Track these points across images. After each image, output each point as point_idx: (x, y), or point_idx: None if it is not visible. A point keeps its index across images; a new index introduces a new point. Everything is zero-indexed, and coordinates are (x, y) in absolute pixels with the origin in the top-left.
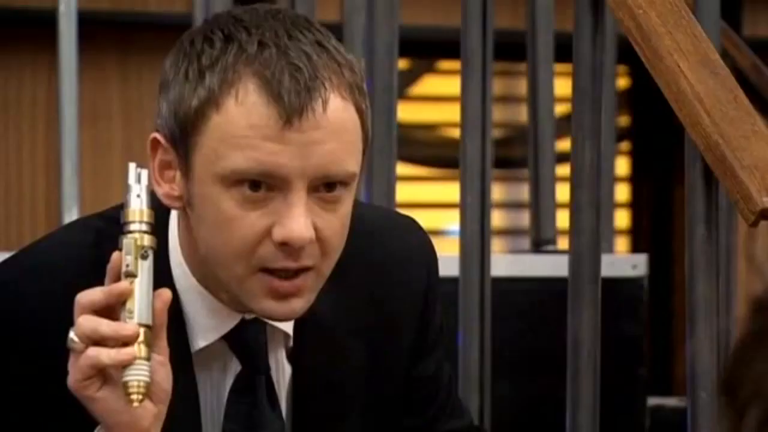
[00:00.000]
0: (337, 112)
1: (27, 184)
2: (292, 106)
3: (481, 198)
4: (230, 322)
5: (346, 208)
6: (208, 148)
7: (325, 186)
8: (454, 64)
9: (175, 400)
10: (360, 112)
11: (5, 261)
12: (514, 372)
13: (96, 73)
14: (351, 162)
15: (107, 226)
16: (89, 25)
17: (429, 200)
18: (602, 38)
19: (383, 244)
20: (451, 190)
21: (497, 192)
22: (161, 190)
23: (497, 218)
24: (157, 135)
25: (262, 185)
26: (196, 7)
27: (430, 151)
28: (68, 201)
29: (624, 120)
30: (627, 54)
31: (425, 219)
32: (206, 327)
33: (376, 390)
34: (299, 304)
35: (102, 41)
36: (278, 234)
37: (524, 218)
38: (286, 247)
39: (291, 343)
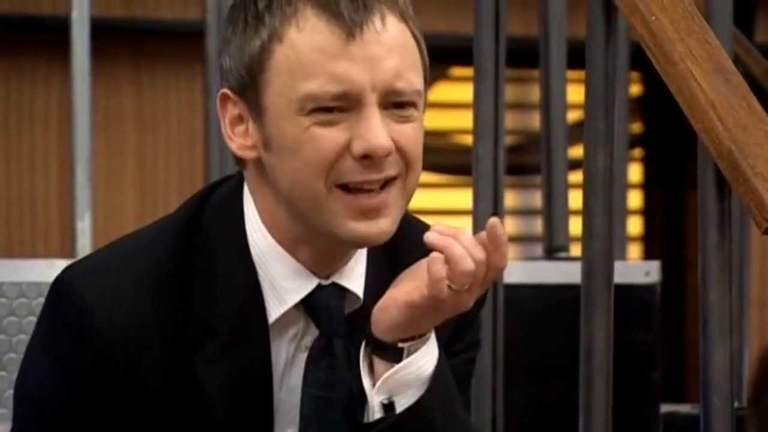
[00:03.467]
0: (395, 31)
1: (40, 189)
2: (353, 21)
3: (493, 205)
4: (308, 285)
5: (418, 125)
6: (278, 82)
7: (394, 105)
8: (467, 71)
9: (248, 375)
10: (417, 39)
11: (101, 249)
12: (526, 378)
13: (109, 79)
14: (416, 79)
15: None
16: (102, 31)
17: (442, 207)
18: (615, 45)
19: None
20: (463, 197)
21: (510, 199)
22: (234, 144)
23: (510, 225)
24: (225, 90)
25: (335, 108)
26: (208, 12)
27: (443, 158)
28: (81, 206)
29: (636, 126)
30: (639, 60)
31: None
32: (285, 290)
33: None
34: (386, 224)
35: (115, 47)
36: (358, 147)
37: (537, 225)
38: (367, 160)
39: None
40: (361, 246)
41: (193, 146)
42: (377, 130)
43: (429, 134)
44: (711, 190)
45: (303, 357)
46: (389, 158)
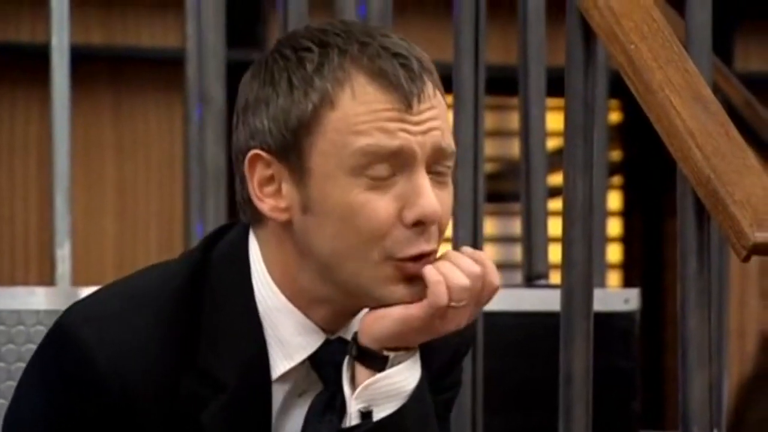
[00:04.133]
0: (440, 95)
1: (20, 216)
2: (411, 92)
3: (473, 232)
4: (317, 340)
5: (451, 190)
6: (328, 143)
7: (437, 170)
8: (446, 99)
9: (248, 425)
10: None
11: (100, 291)
12: (506, 406)
13: (88, 106)
14: (452, 141)
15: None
16: (82, 58)
17: None
18: (594, 73)
19: None
20: None
21: (489, 226)
22: (266, 206)
23: (489, 252)
24: (257, 151)
25: (387, 170)
26: (188, 40)
27: None
28: (60, 233)
29: (616, 154)
30: (619, 88)
31: None
32: (293, 346)
33: None
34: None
35: (95, 74)
36: (411, 214)
37: (516, 252)
38: (419, 226)
39: None
40: (394, 305)
41: (173, 174)
42: (430, 196)
43: None
44: (690, 217)
45: (297, 403)
46: (433, 228)
